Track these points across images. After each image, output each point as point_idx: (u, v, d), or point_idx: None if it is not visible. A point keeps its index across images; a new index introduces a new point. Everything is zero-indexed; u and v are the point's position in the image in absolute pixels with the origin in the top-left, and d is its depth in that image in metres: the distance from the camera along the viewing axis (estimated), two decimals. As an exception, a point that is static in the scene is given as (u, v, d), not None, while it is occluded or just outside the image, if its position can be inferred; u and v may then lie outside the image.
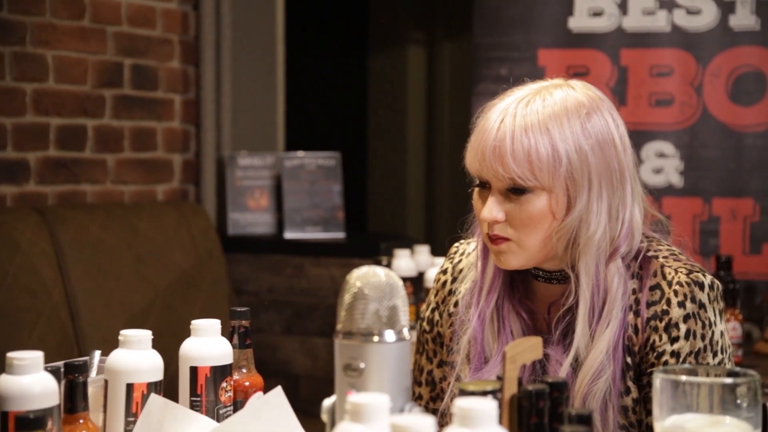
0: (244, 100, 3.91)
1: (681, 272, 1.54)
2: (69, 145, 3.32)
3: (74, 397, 1.36)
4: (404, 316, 1.16)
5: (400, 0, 5.02)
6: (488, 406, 1.01)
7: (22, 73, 3.17)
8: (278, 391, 1.42)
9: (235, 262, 3.67)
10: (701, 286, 1.54)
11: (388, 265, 2.86)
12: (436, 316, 1.72)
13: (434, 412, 1.68)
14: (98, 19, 3.40)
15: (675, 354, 1.51)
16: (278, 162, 3.82)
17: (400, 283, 1.18)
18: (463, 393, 1.11)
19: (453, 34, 4.84)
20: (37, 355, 1.27)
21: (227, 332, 1.57)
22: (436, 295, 1.73)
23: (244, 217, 3.79)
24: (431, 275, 2.76)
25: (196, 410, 1.51)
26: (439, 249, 2.40)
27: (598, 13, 3.13)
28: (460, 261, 1.72)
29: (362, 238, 3.93)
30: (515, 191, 1.51)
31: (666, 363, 1.51)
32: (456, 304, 1.68)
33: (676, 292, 1.53)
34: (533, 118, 1.50)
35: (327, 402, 1.17)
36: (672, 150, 3.09)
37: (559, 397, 1.13)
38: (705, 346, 1.52)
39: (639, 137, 3.05)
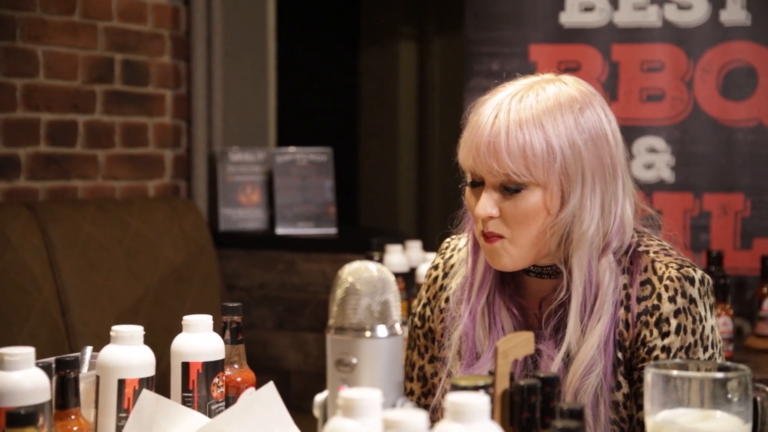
0: (236, 96, 3.90)
1: (672, 267, 1.55)
2: (60, 141, 3.31)
3: (65, 393, 1.36)
4: (396, 311, 1.16)
5: (392, -5, 5.02)
6: (480, 401, 1.01)
7: (12, 68, 3.16)
8: (270, 387, 1.42)
9: (226, 258, 3.66)
10: (692, 281, 1.54)
11: (380, 261, 2.86)
12: (428, 312, 1.72)
13: (426, 407, 1.68)
14: (89, 14, 3.39)
15: (666, 349, 1.52)
16: (270, 157, 3.81)
17: (392, 278, 1.18)
18: (455, 388, 1.11)
19: (444, 29, 4.84)
20: (28, 351, 1.27)
21: (219, 328, 1.57)
22: (427, 291, 1.73)
23: (236, 213, 3.78)
24: (423, 270, 2.76)
25: (188, 406, 1.51)
26: (431, 244, 2.40)
27: (589, 8, 3.13)
28: (451, 256, 1.72)
29: (354, 234, 3.93)
30: (509, 188, 1.51)
31: (657, 358, 1.52)
32: (447, 300, 1.68)
33: (666, 287, 1.53)
34: (527, 113, 1.50)
35: (319, 397, 1.17)
36: (663, 145, 3.09)
37: (551, 392, 1.14)
38: (696, 341, 1.53)
39: (630, 132, 3.05)
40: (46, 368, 1.31)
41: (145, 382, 1.47)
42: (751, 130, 3.03)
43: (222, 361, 1.54)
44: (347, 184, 4.62)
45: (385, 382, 1.12)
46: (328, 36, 5.01)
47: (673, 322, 1.52)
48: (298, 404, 2.05)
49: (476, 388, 1.10)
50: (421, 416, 0.99)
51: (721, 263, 2.81)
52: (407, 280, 2.90)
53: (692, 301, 1.53)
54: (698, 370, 1.21)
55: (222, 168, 3.78)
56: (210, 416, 1.51)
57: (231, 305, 1.58)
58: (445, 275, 1.71)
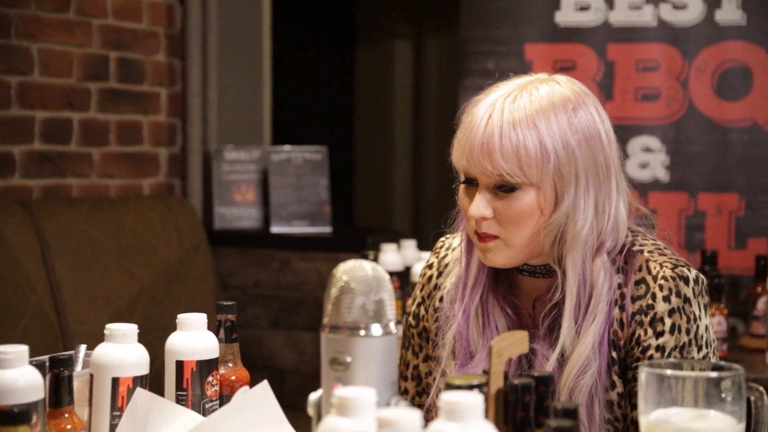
0: (231, 94, 3.90)
1: (666, 267, 1.55)
2: (54, 139, 3.31)
3: (59, 392, 1.36)
4: (391, 310, 1.16)
5: (387, -6, 5.02)
6: (474, 400, 1.01)
7: (6, 66, 3.15)
8: (264, 385, 1.42)
9: (221, 256, 3.66)
10: (686, 281, 1.54)
11: (375, 260, 2.86)
12: (422, 311, 1.72)
13: (420, 407, 1.68)
14: (84, 11, 3.39)
15: (660, 348, 1.52)
16: (265, 156, 3.81)
17: (387, 277, 1.17)
18: (449, 387, 1.11)
19: (440, 28, 4.83)
20: (22, 349, 1.26)
21: (213, 326, 1.57)
22: (421, 290, 1.73)
23: (231, 211, 3.78)
24: (418, 269, 2.76)
25: (182, 404, 1.50)
26: (426, 243, 2.40)
27: (584, 8, 3.13)
28: (445, 255, 1.72)
29: (349, 233, 3.93)
30: (503, 188, 1.50)
31: (651, 357, 1.52)
32: (441, 299, 1.68)
33: (661, 287, 1.54)
34: (520, 113, 1.50)
35: (313, 396, 1.17)
36: (658, 145, 3.10)
37: (545, 391, 1.14)
38: (690, 341, 1.53)
39: (625, 132, 3.05)
40: (39, 366, 1.31)
41: (139, 381, 1.47)
42: (745, 130, 3.03)
43: (216, 359, 1.54)
44: (342, 183, 4.61)
45: (379, 381, 1.12)
46: (323, 34, 5.00)
47: (668, 322, 1.52)
48: (293, 403, 2.05)
49: (470, 387, 1.10)
50: (415, 415, 0.99)
51: (715, 263, 2.82)
52: (402, 279, 2.90)
53: (686, 300, 1.54)
54: (692, 369, 1.21)
55: (217, 166, 3.78)
56: (204, 415, 1.51)
57: (225, 303, 1.57)
58: (440, 274, 1.71)
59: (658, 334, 1.52)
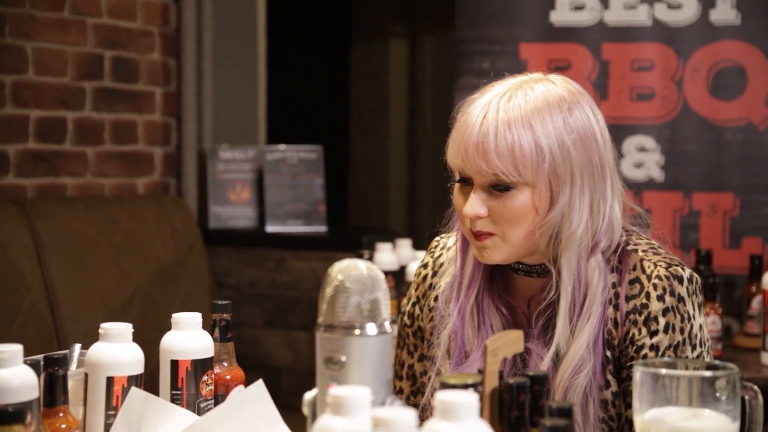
0: (226, 93, 3.90)
1: (660, 266, 1.55)
2: (49, 138, 3.30)
3: (54, 391, 1.36)
4: (386, 309, 1.16)
5: (383, -7, 5.02)
6: (469, 399, 1.01)
7: (1, 64, 3.14)
8: (259, 384, 1.42)
9: (216, 256, 3.66)
10: (680, 280, 1.54)
11: (370, 259, 2.86)
12: (417, 311, 1.72)
13: (415, 406, 1.68)
14: (78, 10, 3.38)
15: (654, 347, 1.52)
16: (260, 155, 3.81)
17: (382, 276, 1.17)
18: (445, 386, 1.11)
19: (435, 27, 4.84)
20: (17, 348, 1.26)
21: (208, 325, 1.57)
22: (416, 290, 1.73)
23: (226, 211, 3.78)
24: (413, 269, 2.76)
25: (177, 404, 1.50)
26: (421, 243, 2.40)
27: (579, 7, 3.13)
28: (440, 255, 1.72)
29: (344, 232, 3.93)
30: (498, 187, 1.50)
31: (645, 356, 1.52)
32: (436, 299, 1.68)
33: (655, 286, 1.54)
34: (516, 113, 1.50)
35: (308, 395, 1.17)
36: (653, 144, 3.10)
37: (540, 390, 1.14)
38: (684, 340, 1.53)
39: (620, 131, 3.06)
40: (34, 366, 1.30)
41: (133, 380, 1.47)
42: (740, 129, 3.04)
43: (211, 358, 1.54)
44: (337, 182, 4.61)
45: (374, 381, 1.12)
46: (318, 34, 5.00)
47: (662, 321, 1.53)
48: (288, 402, 2.05)
49: (465, 387, 1.10)
50: (410, 414, 0.99)
51: (710, 262, 2.82)
52: (397, 278, 2.90)
53: (681, 299, 1.54)
54: (686, 368, 1.21)
55: (212, 165, 3.78)
56: (199, 414, 1.50)
57: (220, 303, 1.57)
58: (435, 274, 1.71)
59: (653, 333, 1.52)
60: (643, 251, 1.58)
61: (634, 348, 1.53)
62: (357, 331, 1.13)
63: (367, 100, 5.04)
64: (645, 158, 3.10)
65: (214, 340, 1.56)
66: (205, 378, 1.52)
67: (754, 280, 2.83)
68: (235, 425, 1.38)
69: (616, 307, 1.55)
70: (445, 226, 1.68)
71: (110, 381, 1.46)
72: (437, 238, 1.75)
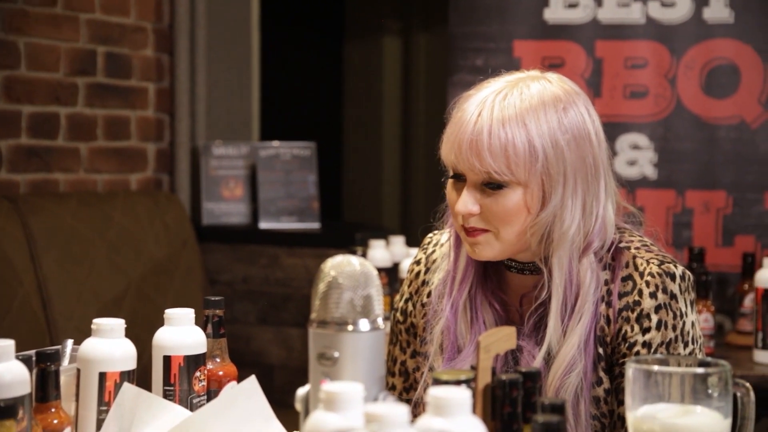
0: (219, 89, 3.89)
1: (653, 263, 1.55)
2: (41, 134, 3.30)
3: (46, 386, 1.36)
4: (378, 305, 1.16)
5: (376, -10, 5.02)
6: (462, 395, 1.01)
7: (-6, 60, 3.14)
8: (252, 380, 1.42)
9: (209, 252, 3.66)
10: (673, 277, 1.55)
11: (363, 256, 2.86)
12: (410, 307, 1.72)
13: (408, 402, 1.68)
14: (71, 6, 3.37)
15: (646, 344, 1.52)
16: (253, 152, 3.81)
17: (375, 272, 1.17)
18: (437, 382, 1.11)
19: (429, 24, 4.83)
20: (8, 344, 1.26)
21: (201, 321, 1.57)
22: (409, 286, 1.73)
23: (219, 207, 3.77)
24: (406, 266, 2.76)
25: (170, 399, 1.50)
26: (414, 239, 2.40)
27: (573, 5, 3.14)
28: (433, 251, 1.72)
29: (337, 229, 3.93)
30: (490, 185, 1.50)
31: (638, 353, 1.52)
32: (429, 295, 1.68)
33: (647, 283, 1.54)
34: (510, 111, 1.49)
35: (301, 391, 1.17)
36: (646, 142, 3.10)
37: (532, 386, 1.14)
38: (676, 337, 1.53)
39: (613, 129, 3.06)
40: (26, 361, 1.30)
41: (126, 376, 1.47)
42: (733, 127, 3.04)
43: (204, 354, 1.54)
44: (331, 179, 4.61)
45: (367, 376, 1.12)
46: (312, 30, 5.00)
47: (654, 318, 1.53)
48: (281, 399, 2.05)
49: (458, 383, 1.10)
50: (402, 410, 0.99)
51: (702, 260, 2.82)
52: (390, 275, 2.90)
53: (673, 296, 1.54)
54: (679, 365, 1.21)
55: (205, 162, 3.77)
56: (191, 410, 1.50)
57: (213, 299, 1.57)
58: (427, 270, 1.71)
59: (645, 330, 1.53)
60: (636, 248, 1.58)
61: (627, 345, 1.53)
62: (350, 327, 1.13)
63: (361, 96, 5.04)
64: (638, 156, 3.11)
65: (207, 336, 1.56)
66: (197, 374, 1.52)
67: (746, 278, 2.84)
68: (228, 421, 1.38)
69: (609, 304, 1.55)
70: (438, 220, 1.68)
71: (102, 376, 1.46)
72: (430, 235, 1.75)
